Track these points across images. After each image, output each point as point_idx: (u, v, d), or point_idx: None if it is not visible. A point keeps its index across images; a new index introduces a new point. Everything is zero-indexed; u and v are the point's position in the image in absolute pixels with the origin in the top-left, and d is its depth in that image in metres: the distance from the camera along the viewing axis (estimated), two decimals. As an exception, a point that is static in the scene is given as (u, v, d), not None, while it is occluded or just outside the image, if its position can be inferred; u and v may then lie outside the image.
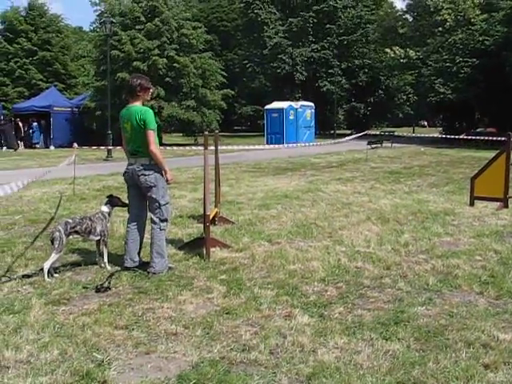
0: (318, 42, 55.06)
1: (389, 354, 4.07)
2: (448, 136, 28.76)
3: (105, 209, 6.56)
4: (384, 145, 33.03)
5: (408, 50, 50.19)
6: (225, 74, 42.19)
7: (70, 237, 6.27)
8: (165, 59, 35.63)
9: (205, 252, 6.78)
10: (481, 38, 38.88)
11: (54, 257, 5.98)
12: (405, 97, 59.29)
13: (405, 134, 35.92)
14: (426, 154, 28.15)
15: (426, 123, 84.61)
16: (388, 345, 4.22)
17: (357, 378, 3.69)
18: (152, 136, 5.99)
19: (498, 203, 10.49)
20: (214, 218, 8.37)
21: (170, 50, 36.27)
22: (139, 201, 6.33)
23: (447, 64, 40.20)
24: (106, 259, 6.39)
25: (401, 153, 28.58)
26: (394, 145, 34.05)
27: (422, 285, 5.72)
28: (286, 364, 3.93)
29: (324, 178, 16.27)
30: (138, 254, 6.37)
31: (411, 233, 8.23)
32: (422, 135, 30.19)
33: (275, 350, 4.17)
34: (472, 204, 10.71)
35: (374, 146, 30.22)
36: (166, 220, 6.23)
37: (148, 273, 6.06)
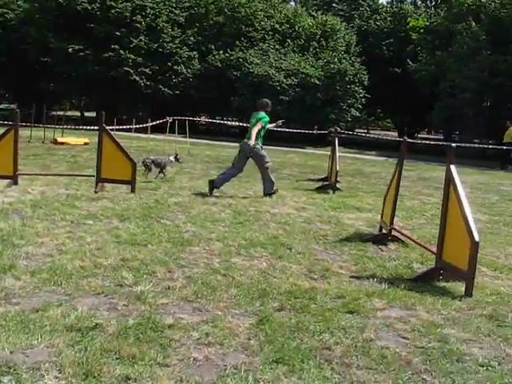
0: None
1: None
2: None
3: (172, 159, 12.40)
4: None
5: None
6: None
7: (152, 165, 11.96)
8: None
9: None
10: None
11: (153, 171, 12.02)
12: None
13: None
14: None
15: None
16: None
17: None
18: (259, 124, 10.80)
19: (7, 181, 10.26)
20: None
21: None
22: (238, 162, 11.05)
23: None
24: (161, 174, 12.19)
25: None
26: None
27: None
28: None
29: None
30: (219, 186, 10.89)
31: None
32: None
33: None
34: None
35: None
36: (267, 163, 11.05)
37: (265, 194, 10.90)
